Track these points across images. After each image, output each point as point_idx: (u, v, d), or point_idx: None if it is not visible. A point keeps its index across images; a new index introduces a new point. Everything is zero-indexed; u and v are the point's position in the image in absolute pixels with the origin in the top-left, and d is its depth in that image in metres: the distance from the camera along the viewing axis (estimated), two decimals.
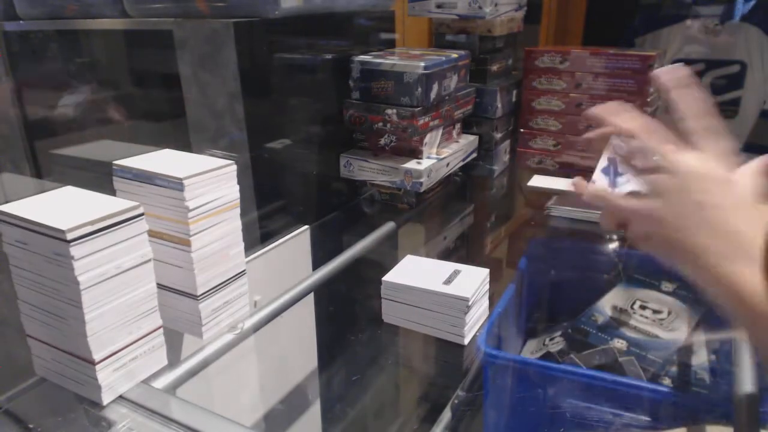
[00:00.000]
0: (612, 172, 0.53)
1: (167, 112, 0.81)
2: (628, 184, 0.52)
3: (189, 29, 0.78)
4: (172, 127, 0.81)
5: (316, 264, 0.86)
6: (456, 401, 0.66)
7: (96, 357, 0.52)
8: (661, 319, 0.83)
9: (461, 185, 1.22)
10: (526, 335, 0.92)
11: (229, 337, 0.67)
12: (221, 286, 0.65)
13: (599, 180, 0.53)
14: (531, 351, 0.87)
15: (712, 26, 1.53)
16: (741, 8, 1.50)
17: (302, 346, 0.90)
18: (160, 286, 0.59)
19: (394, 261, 0.78)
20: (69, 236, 0.49)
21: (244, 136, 0.80)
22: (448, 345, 0.72)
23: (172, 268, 0.62)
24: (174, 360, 0.63)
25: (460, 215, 1.16)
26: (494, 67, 1.22)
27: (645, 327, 0.82)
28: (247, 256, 0.68)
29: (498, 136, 1.22)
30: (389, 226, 0.98)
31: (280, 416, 0.87)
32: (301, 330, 0.88)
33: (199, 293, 0.62)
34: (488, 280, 0.75)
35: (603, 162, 0.53)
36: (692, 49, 1.57)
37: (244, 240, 0.66)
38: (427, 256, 0.82)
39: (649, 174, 0.46)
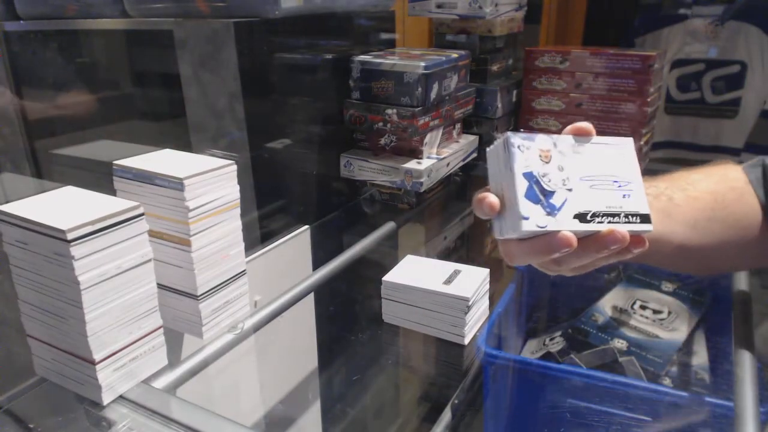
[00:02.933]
0: (539, 191, 0.41)
1: (167, 111, 0.82)
2: (571, 200, 0.41)
3: (189, 29, 0.78)
4: (173, 126, 0.81)
5: (317, 264, 0.86)
6: (456, 401, 0.66)
7: (96, 357, 0.53)
8: (661, 319, 0.83)
9: (461, 185, 1.22)
10: (526, 335, 0.92)
11: (229, 337, 0.67)
12: (221, 286, 0.65)
13: (531, 212, 0.40)
14: (531, 351, 0.87)
15: (712, 26, 1.53)
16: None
17: (302, 346, 0.90)
18: (160, 286, 0.59)
19: (394, 261, 0.78)
20: (69, 236, 0.49)
21: (245, 136, 0.80)
22: (448, 345, 0.72)
23: (173, 268, 0.62)
24: (174, 360, 0.63)
25: (460, 215, 1.16)
26: (494, 67, 1.22)
27: (645, 327, 0.82)
28: (247, 256, 0.68)
29: (498, 136, 1.22)
30: (389, 226, 0.98)
31: (281, 416, 0.87)
32: (301, 330, 0.88)
33: (199, 293, 0.62)
34: (488, 280, 0.75)
35: (521, 184, 0.40)
36: (692, 49, 1.57)
37: (245, 240, 0.66)
38: (427, 256, 0.82)
39: None
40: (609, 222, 0.41)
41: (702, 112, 1.59)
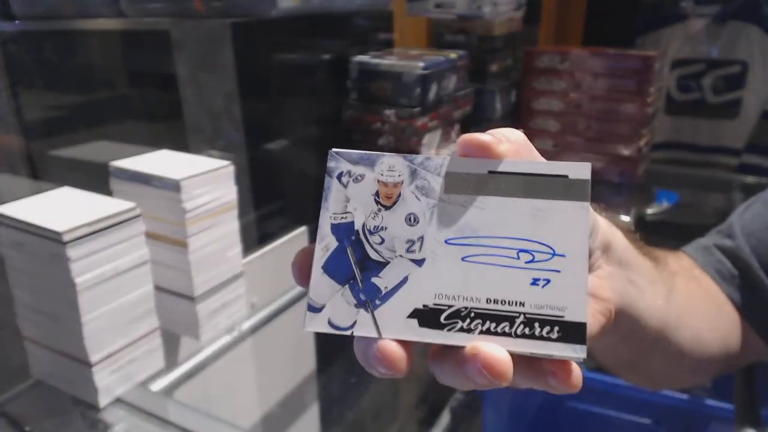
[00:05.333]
0: (354, 262, 0.23)
1: (164, 112, 0.81)
2: (417, 282, 0.23)
3: (186, 29, 0.78)
4: (170, 127, 0.81)
5: None
6: (455, 403, 0.66)
7: (92, 359, 0.52)
8: None
9: None
10: None
11: (226, 339, 0.67)
12: (218, 287, 0.64)
13: (327, 298, 0.24)
14: None
15: (713, 26, 1.53)
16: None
17: (300, 348, 0.90)
18: (157, 287, 0.58)
19: None
20: (65, 238, 0.48)
21: (242, 136, 0.80)
22: None
23: (169, 269, 0.62)
24: (171, 362, 0.62)
25: None
26: (493, 68, 1.21)
27: None
28: (244, 257, 0.68)
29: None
30: None
31: (278, 419, 0.86)
32: (298, 332, 0.88)
33: (196, 295, 0.62)
34: None
35: (323, 245, 0.24)
36: (692, 49, 1.57)
37: (242, 241, 0.66)
38: None
39: None
40: (482, 331, 0.22)
41: (703, 112, 1.59)
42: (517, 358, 0.21)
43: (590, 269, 0.30)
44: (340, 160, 0.25)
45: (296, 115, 0.93)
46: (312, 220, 0.96)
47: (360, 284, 0.23)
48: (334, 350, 0.90)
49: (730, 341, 0.45)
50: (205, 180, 0.60)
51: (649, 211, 1.19)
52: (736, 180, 1.37)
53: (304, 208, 0.96)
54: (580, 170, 0.23)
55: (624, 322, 0.33)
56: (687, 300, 0.41)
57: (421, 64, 0.94)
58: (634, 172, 1.16)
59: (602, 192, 1.16)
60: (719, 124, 1.58)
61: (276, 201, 0.90)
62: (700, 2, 1.54)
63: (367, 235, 0.24)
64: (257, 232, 0.85)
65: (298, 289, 0.82)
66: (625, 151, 1.16)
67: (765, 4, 1.48)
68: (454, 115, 1.10)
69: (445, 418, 0.64)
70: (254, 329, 0.71)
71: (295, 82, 0.90)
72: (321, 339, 0.90)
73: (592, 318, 0.27)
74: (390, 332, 0.22)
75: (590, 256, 0.29)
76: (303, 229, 0.93)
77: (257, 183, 0.83)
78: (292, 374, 0.89)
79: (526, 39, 1.39)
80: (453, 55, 1.04)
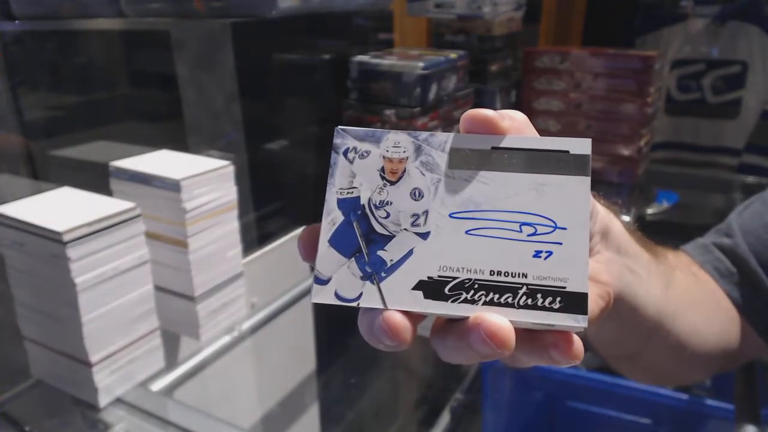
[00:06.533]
0: (360, 235, 0.24)
1: (164, 112, 0.81)
2: (421, 255, 0.23)
3: (186, 29, 0.78)
4: (170, 127, 0.81)
5: None
6: (455, 403, 0.66)
7: (92, 359, 0.52)
8: None
9: None
10: None
11: (226, 339, 0.67)
12: (218, 287, 0.64)
13: (333, 270, 0.24)
14: None
15: (713, 26, 1.53)
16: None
17: (300, 348, 0.90)
18: (156, 287, 0.58)
19: None
20: (65, 238, 0.48)
21: (242, 136, 0.80)
22: None
23: (169, 269, 0.62)
24: (171, 362, 0.62)
25: None
26: (493, 68, 1.21)
27: None
28: (244, 257, 0.68)
29: None
30: None
31: (278, 419, 0.86)
32: (299, 332, 0.88)
33: (196, 295, 0.62)
34: None
35: (330, 220, 0.25)
36: (692, 49, 1.57)
37: (242, 241, 0.66)
38: None
39: None
40: (486, 302, 0.22)
41: (703, 112, 1.59)
42: (519, 333, 0.22)
43: (589, 253, 0.29)
44: (346, 136, 0.26)
45: (296, 115, 0.93)
46: (312, 221, 0.96)
47: (366, 257, 0.24)
48: (334, 350, 0.90)
49: (729, 337, 0.45)
50: (205, 180, 0.60)
51: (649, 211, 1.19)
52: (736, 180, 1.37)
53: (304, 208, 0.96)
54: (580, 145, 0.23)
55: (622, 309, 0.33)
56: (685, 294, 0.42)
57: (421, 64, 0.94)
58: (634, 172, 1.16)
59: (602, 192, 1.16)
60: (719, 124, 1.58)
61: (276, 201, 0.90)
62: (700, 2, 1.54)
63: (373, 210, 0.24)
64: (257, 232, 0.85)
65: (298, 288, 0.82)
66: (625, 151, 1.16)
67: (765, 4, 1.48)
68: (454, 115, 1.10)
69: (445, 418, 0.64)
70: (254, 329, 0.71)
71: (295, 82, 0.90)
72: (321, 339, 0.90)
73: (592, 302, 0.27)
74: (395, 303, 0.22)
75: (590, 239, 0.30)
76: (303, 228, 0.93)
77: (257, 183, 0.83)
78: (292, 374, 0.89)
79: (526, 39, 1.38)
80: (453, 55, 1.04)
